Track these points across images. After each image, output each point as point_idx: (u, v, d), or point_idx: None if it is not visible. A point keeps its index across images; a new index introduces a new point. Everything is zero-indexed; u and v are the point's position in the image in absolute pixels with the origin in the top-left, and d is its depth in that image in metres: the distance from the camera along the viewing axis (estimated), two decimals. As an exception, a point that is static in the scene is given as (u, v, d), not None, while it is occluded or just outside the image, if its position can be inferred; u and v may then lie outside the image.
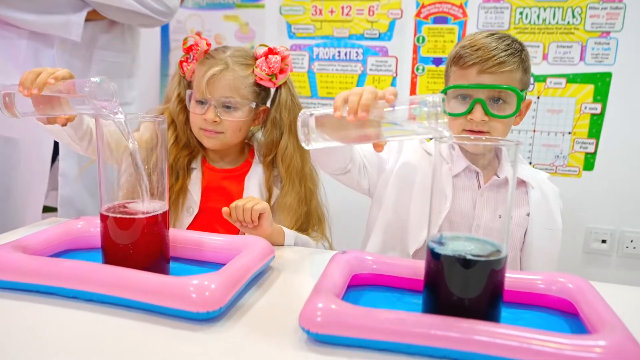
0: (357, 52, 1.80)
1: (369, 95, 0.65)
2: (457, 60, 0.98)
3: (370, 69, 1.80)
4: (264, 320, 0.62)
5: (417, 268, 0.69)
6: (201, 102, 1.04)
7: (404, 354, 0.54)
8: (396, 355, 0.54)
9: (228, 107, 1.04)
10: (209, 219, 1.06)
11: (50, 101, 0.80)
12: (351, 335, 0.55)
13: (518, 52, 0.96)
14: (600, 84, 1.61)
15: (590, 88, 1.62)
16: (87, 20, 1.27)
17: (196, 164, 1.10)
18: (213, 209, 1.05)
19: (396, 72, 1.78)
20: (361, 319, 0.55)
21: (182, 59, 1.09)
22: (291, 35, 1.85)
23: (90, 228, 0.83)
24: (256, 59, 1.06)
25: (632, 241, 1.67)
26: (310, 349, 0.55)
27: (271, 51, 1.05)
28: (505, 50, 0.94)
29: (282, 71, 1.05)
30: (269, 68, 1.04)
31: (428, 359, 0.53)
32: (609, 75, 1.60)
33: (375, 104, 0.65)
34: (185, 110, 1.09)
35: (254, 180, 1.09)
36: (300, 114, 0.68)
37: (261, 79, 1.04)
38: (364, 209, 1.14)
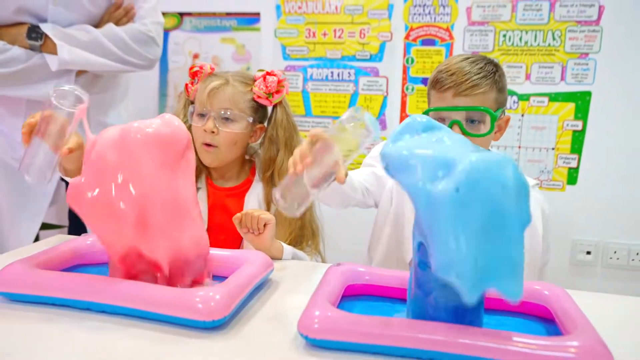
0: (349, 73, 1.88)
1: (303, 145, 0.73)
2: (435, 84, 1.06)
3: (362, 89, 1.87)
4: (265, 327, 0.67)
5: (406, 279, 0.75)
6: (202, 115, 1.10)
7: (395, 356, 0.59)
8: (387, 358, 0.59)
9: (226, 119, 1.09)
10: (216, 235, 1.11)
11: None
12: (345, 340, 0.60)
13: (491, 74, 1.03)
14: (581, 102, 1.69)
15: (571, 106, 1.70)
16: (77, 75, 1.34)
17: (201, 184, 1.16)
18: (218, 226, 1.12)
19: (387, 92, 1.85)
20: (354, 325, 0.60)
21: (188, 83, 1.16)
22: (286, 57, 1.93)
23: (98, 244, 0.88)
24: (255, 80, 1.13)
25: (615, 252, 1.73)
26: (309, 353, 0.60)
27: (269, 73, 1.13)
28: (478, 74, 1.02)
29: (278, 91, 1.13)
30: (266, 87, 1.11)
31: (415, 361, 0.59)
32: (588, 94, 1.68)
33: (310, 148, 0.71)
34: (190, 131, 1.13)
35: (253, 196, 1.15)
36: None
37: (259, 96, 1.12)
38: (356, 223, 1.20)
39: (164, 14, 1.99)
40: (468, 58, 1.06)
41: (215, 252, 0.84)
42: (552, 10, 1.68)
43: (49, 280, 0.71)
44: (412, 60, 1.81)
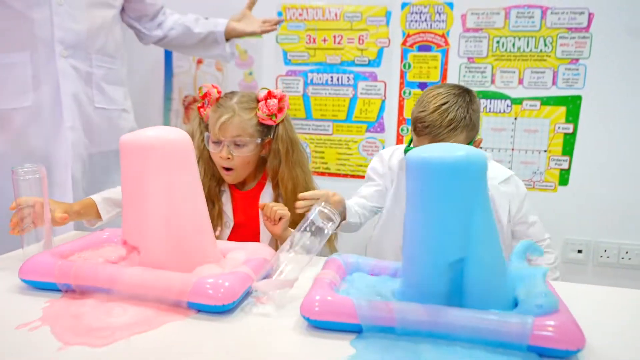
0: (348, 77, 1.94)
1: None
2: (414, 128, 1.23)
3: (361, 93, 1.94)
4: (272, 311, 0.73)
5: (397, 269, 0.81)
6: (216, 143, 1.25)
7: (390, 334, 0.65)
8: (381, 335, 0.65)
9: (238, 145, 1.23)
10: (241, 231, 1.32)
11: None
12: (343, 321, 0.66)
13: (462, 120, 1.18)
14: (572, 105, 1.76)
15: (562, 110, 1.76)
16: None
17: (224, 187, 1.33)
18: (243, 223, 1.32)
19: (385, 96, 1.92)
20: (350, 307, 0.66)
21: (199, 105, 1.30)
22: (287, 62, 1.99)
23: (114, 239, 0.94)
24: (258, 101, 1.26)
25: (605, 250, 1.79)
26: (310, 333, 0.66)
27: (270, 94, 1.25)
28: (449, 126, 1.17)
29: (280, 110, 1.26)
30: (269, 110, 1.24)
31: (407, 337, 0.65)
32: (579, 98, 1.75)
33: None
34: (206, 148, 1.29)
35: (266, 197, 1.31)
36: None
37: (263, 119, 1.25)
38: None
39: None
40: (442, 105, 1.19)
41: (228, 246, 0.91)
42: (543, 17, 1.75)
43: (86, 270, 0.77)
44: (409, 66, 1.88)
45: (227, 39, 1.71)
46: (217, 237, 1.23)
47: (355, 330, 0.66)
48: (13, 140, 1.37)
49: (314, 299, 0.68)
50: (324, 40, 1.94)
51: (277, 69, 1.99)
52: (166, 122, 2.15)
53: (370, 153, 1.95)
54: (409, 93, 1.89)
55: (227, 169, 1.25)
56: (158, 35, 1.69)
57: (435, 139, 1.18)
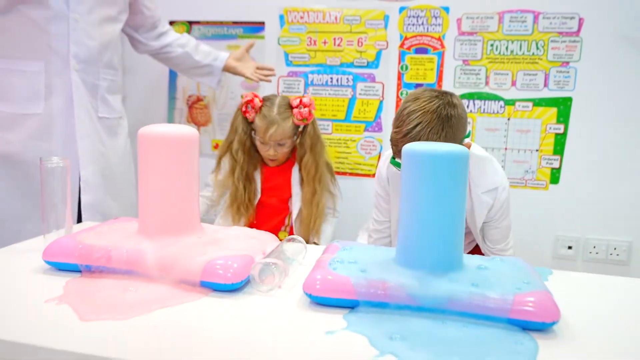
0: (347, 79, 2.01)
1: None
2: (392, 146, 1.24)
3: (360, 94, 2.01)
4: (276, 289, 0.79)
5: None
6: (263, 143, 1.70)
7: (385, 308, 0.72)
8: (377, 310, 0.72)
9: (281, 145, 1.70)
10: (266, 205, 1.78)
11: None
12: (342, 297, 0.73)
13: (442, 136, 1.15)
14: (563, 107, 1.82)
15: (553, 111, 1.83)
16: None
17: (257, 168, 1.77)
18: (268, 196, 1.78)
19: (382, 97, 1.98)
20: (346, 285, 0.73)
21: (243, 108, 1.70)
22: (288, 63, 2.06)
23: (128, 226, 1.00)
24: (292, 107, 1.69)
25: (594, 247, 1.86)
26: (311, 309, 0.73)
27: (301, 102, 1.67)
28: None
29: (310, 115, 1.69)
30: (301, 116, 1.68)
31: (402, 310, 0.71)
32: (569, 99, 1.82)
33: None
34: (249, 138, 1.74)
35: (295, 172, 1.76)
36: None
37: (297, 123, 1.69)
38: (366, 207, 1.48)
39: (174, 22, 2.14)
40: (414, 128, 1.15)
41: (231, 232, 0.97)
42: (535, 22, 1.82)
43: (95, 250, 0.83)
44: (407, 67, 1.95)
45: None
46: (247, 211, 1.73)
47: (353, 305, 0.73)
48: (23, 143, 1.43)
49: (315, 277, 0.74)
50: (324, 42, 2.01)
51: (278, 70, 2.05)
52: (170, 120, 2.22)
53: (368, 152, 2.02)
54: (406, 94, 1.96)
55: (272, 159, 1.73)
56: (154, 47, 1.76)
57: None
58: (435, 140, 1.15)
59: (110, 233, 0.96)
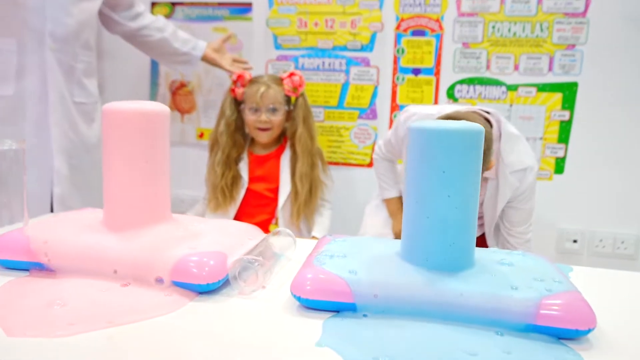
0: (340, 63, 1.89)
1: None
2: None
3: (353, 79, 1.89)
4: (261, 291, 0.68)
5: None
6: (255, 110, 1.66)
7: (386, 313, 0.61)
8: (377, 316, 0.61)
9: (274, 110, 1.66)
10: (253, 192, 1.71)
11: None
12: (336, 300, 0.61)
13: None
14: (568, 92, 1.72)
15: (558, 96, 1.73)
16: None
17: (243, 155, 1.73)
18: (256, 185, 1.71)
19: (377, 82, 1.87)
20: (342, 285, 0.62)
21: (232, 87, 1.71)
22: (277, 47, 1.94)
23: (92, 216, 0.89)
24: (281, 80, 1.69)
25: (601, 240, 1.76)
26: (301, 314, 0.61)
27: (291, 74, 1.69)
28: None
29: (300, 84, 1.69)
30: (293, 84, 1.68)
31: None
32: (575, 84, 1.71)
33: None
34: (236, 121, 1.71)
35: (286, 157, 1.71)
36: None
37: (289, 90, 1.69)
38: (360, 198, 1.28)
39: (156, 3, 2.01)
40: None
41: (207, 225, 0.86)
42: (540, 2, 1.71)
43: (48, 246, 0.71)
44: (403, 51, 1.83)
45: None
46: (232, 198, 1.67)
47: (349, 309, 0.62)
48: None
49: (305, 276, 0.63)
50: (316, 24, 1.89)
51: (267, 53, 1.94)
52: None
53: (362, 140, 1.90)
54: (402, 79, 1.84)
55: (264, 130, 1.67)
56: (131, 28, 1.63)
57: None
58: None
59: (68, 225, 0.84)
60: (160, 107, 0.78)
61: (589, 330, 0.57)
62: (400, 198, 1.54)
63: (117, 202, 0.77)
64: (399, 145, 1.48)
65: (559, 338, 0.57)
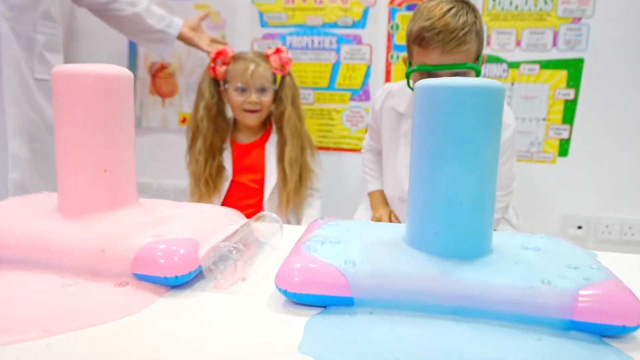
0: (330, 41, 1.78)
1: None
2: (420, 41, 1.09)
3: (345, 58, 1.78)
4: (240, 284, 0.57)
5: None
6: (242, 90, 1.52)
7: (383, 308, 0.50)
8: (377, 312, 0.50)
9: (264, 90, 1.53)
10: (238, 183, 1.59)
11: None
12: (329, 294, 0.51)
13: (473, 25, 1.08)
14: (573, 69, 1.63)
15: (563, 74, 1.63)
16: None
17: (226, 145, 1.59)
18: (241, 177, 1.59)
19: (370, 61, 1.76)
20: (337, 277, 0.51)
21: (211, 66, 1.53)
22: (263, 24, 1.82)
23: (47, 201, 0.77)
24: (267, 56, 1.55)
25: (607, 226, 1.68)
26: (287, 311, 0.51)
27: (277, 50, 1.55)
28: (463, 29, 1.06)
29: (287, 62, 1.56)
30: (281, 61, 1.54)
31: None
32: (581, 61, 1.62)
33: None
34: (217, 105, 1.57)
35: (272, 144, 1.59)
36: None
37: (276, 68, 1.55)
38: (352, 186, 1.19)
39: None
40: (450, 9, 1.08)
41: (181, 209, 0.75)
42: (543, -27, 1.61)
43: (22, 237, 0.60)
44: (397, 27, 1.73)
45: None
46: (216, 189, 1.55)
47: (345, 303, 0.51)
48: None
49: (292, 266, 0.52)
50: (304, -1, 1.77)
51: (252, 31, 1.82)
52: (131, 91, 1.97)
53: (355, 124, 1.80)
54: (397, 57, 1.74)
55: (253, 112, 1.53)
56: (99, 0, 1.50)
57: (446, 47, 1.06)
58: (472, 21, 1.08)
59: (19, 211, 0.72)
60: (122, 70, 0.67)
61: (638, 327, 0.47)
62: (382, 191, 1.44)
63: (71, 184, 0.65)
64: (377, 124, 1.40)
65: (602, 336, 0.47)
